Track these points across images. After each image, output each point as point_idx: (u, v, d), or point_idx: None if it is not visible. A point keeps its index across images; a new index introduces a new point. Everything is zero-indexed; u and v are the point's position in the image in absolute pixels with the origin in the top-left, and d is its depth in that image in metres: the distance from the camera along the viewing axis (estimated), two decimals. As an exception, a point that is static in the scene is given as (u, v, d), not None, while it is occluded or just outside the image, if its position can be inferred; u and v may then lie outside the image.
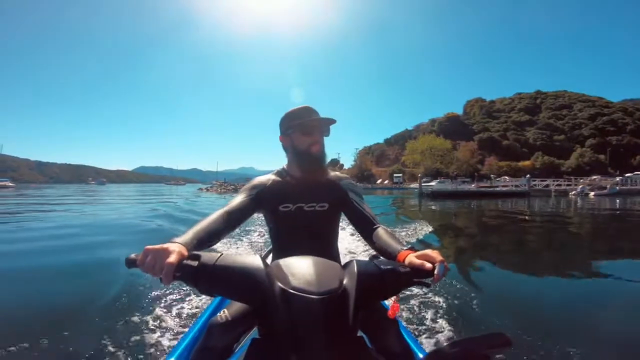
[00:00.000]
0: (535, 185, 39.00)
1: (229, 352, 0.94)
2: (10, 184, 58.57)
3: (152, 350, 1.96)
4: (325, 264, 0.72)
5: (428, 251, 0.82)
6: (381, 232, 1.07)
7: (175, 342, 1.53)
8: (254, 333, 0.98)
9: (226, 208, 1.07)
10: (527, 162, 69.70)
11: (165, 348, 1.97)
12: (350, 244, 4.81)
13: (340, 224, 1.34)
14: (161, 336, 2.12)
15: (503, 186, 38.57)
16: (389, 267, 0.76)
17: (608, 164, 66.06)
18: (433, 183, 39.65)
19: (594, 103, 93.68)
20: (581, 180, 41.10)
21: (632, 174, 48.13)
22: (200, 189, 51.87)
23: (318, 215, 1.21)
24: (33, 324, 2.33)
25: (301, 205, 1.19)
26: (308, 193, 1.20)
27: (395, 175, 73.36)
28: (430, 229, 7.46)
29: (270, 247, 1.40)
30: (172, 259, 0.66)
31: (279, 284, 0.66)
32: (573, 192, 32.27)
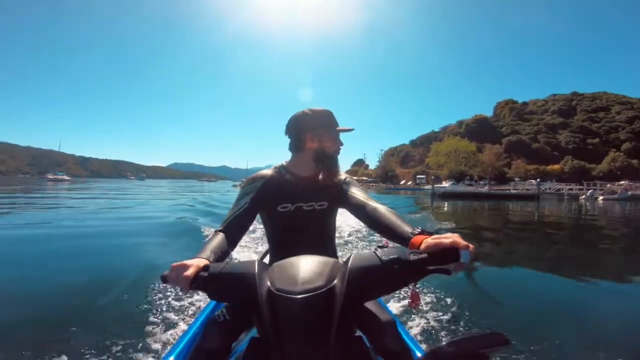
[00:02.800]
0: (547, 189, 41.60)
1: (227, 351, 0.98)
2: (67, 178, 67.89)
3: (150, 349, 1.98)
4: (319, 262, 0.74)
5: (448, 234, 0.74)
6: (381, 211, 1.05)
7: (174, 341, 1.62)
8: (253, 332, 0.99)
9: (221, 227, 1.10)
10: (556, 166, 70.54)
11: (163, 347, 1.99)
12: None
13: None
14: (159, 335, 2.13)
15: (514, 189, 40.68)
16: (393, 256, 0.71)
17: (641, 169, 64.71)
18: (446, 185, 42.66)
19: (633, 105, 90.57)
20: (608, 185, 41.97)
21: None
22: (234, 185, 59.27)
23: (317, 214, 1.23)
24: (31, 319, 2.41)
25: (300, 204, 1.20)
26: (307, 192, 1.21)
27: (418, 176, 76.18)
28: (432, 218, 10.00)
29: (267, 248, 1.42)
30: (189, 272, 0.78)
31: (267, 285, 0.70)
32: (583, 197, 33.97)
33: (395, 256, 0.72)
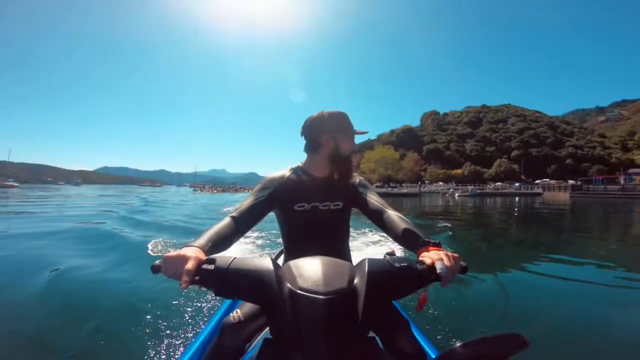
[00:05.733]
0: (426, 189, 59.62)
1: (241, 351, 1.01)
2: (16, 184, 69.02)
3: (165, 349, 2.04)
4: (336, 264, 0.76)
5: (434, 248, 0.88)
6: (395, 219, 1.13)
7: (188, 342, 1.68)
8: (266, 333, 1.02)
9: (235, 213, 1.12)
10: (458, 171, 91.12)
11: (179, 348, 2.06)
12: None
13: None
14: (175, 336, 2.20)
15: (405, 189, 57.19)
16: (404, 264, 0.78)
17: (521, 172, 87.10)
18: None
19: (526, 117, 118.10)
20: (495, 184, 59.16)
21: (540, 181, 67.62)
22: (195, 190, 67.17)
23: (332, 215, 1.28)
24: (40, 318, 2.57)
25: (316, 204, 1.25)
26: (323, 192, 1.26)
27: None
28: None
29: (281, 248, 1.45)
30: (190, 265, 0.74)
31: (288, 285, 0.70)
32: (447, 194, 49.93)
33: (406, 264, 0.79)
